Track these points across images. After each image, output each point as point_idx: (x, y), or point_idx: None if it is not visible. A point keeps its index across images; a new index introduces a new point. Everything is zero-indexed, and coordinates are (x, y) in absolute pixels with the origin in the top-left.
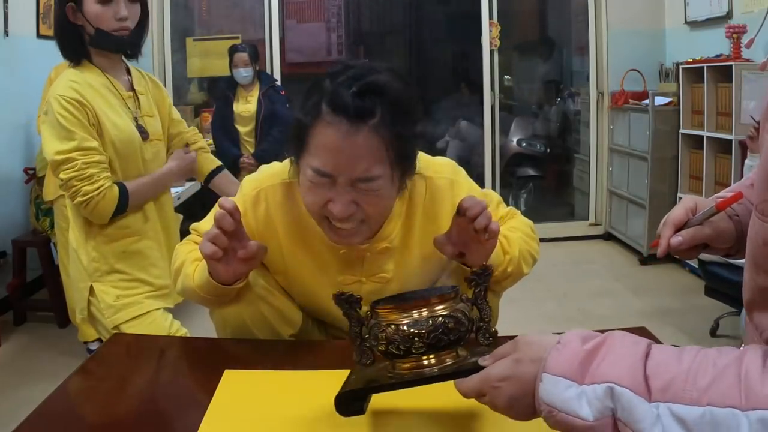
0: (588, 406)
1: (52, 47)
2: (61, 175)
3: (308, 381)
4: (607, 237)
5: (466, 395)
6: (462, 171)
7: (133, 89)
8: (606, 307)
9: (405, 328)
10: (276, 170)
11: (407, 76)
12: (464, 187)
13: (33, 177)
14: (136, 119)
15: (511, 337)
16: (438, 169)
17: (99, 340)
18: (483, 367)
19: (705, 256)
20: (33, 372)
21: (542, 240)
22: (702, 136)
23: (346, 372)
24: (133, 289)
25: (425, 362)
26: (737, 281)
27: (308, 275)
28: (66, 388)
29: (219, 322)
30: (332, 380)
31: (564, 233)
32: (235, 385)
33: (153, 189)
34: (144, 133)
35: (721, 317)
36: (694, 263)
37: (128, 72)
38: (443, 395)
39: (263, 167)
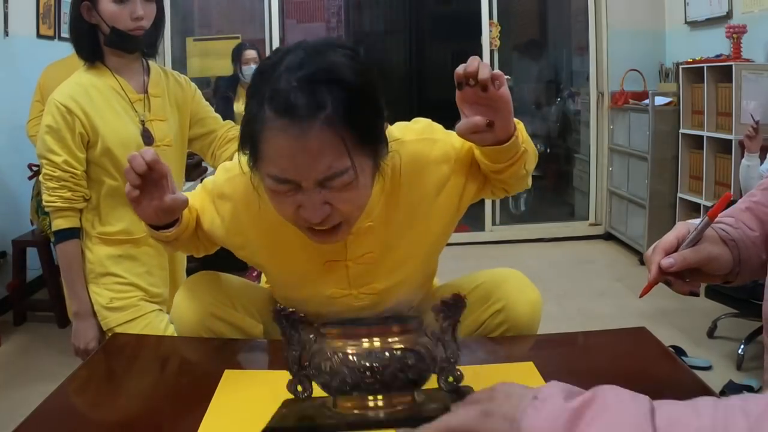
0: None
1: (52, 47)
2: (45, 170)
3: None
4: (607, 237)
5: None
6: (438, 126)
7: (146, 91)
8: (606, 307)
9: (355, 359)
10: (231, 165)
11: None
12: (446, 142)
13: (36, 174)
14: (143, 122)
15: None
16: (413, 131)
17: None
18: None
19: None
20: (33, 372)
21: (542, 240)
22: (702, 136)
23: None
24: (128, 293)
25: (371, 404)
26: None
27: (287, 264)
28: (66, 388)
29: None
30: None
31: (564, 233)
32: (235, 385)
33: (65, 273)
34: (149, 138)
35: (719, 318)
36: None
37: (148, 72)
38: None
39: (219, 167)
